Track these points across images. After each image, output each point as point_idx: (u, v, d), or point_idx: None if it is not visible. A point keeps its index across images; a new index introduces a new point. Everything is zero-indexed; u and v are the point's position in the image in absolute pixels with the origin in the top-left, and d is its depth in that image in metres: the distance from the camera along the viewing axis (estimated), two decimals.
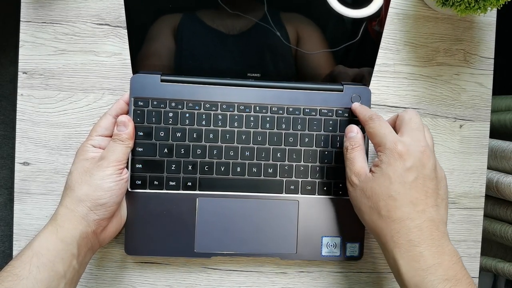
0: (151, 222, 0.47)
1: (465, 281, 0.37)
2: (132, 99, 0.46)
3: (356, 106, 0.48)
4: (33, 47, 0.50)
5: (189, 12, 0.45)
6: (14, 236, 0.49)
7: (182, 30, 0.46)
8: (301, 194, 0.48)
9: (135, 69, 0.47)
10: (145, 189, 0.47)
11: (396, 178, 0.39)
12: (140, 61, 0.47)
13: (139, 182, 0.47)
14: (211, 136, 0.47)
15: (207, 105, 0.47)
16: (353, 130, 0.46)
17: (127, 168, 0.46)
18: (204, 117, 0.47)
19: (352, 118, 0.49)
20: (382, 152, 0.41)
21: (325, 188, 0.49)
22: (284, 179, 0.48)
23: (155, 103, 0.47)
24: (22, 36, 0.50)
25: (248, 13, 0.45)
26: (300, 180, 0.48)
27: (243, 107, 0.48)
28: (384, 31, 0.49)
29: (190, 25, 0.46)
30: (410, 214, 0.39)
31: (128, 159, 0.46)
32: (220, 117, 0.47)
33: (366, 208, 0.41)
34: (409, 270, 0.38)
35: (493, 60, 0.55)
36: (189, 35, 0.46)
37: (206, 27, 0.46)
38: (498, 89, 0.75)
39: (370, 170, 0.42)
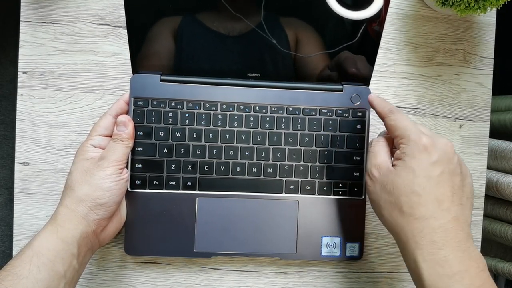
0: (151, 222, 0.47)
1: None
2: (132, 99, 0.46)
3: (374, 98, 0.44)
4: (33, 47, 0.50)
5: (189, 12, 0.45)
6: (14, 236, 0.49)
7: (182, 30, 0.46)
8: (301, 194, 0.48)
9: (135, 69, 0.47)
10: (145, 189, 0.47)
11: (421, 172, 0.37)
12: (140, 61, 0.47)
13: (139, 182, 0.47)
14: (211, 136, 0.47)
15: (207, 105, 0.47)
16: (381, 132, 0.46)
17: (127, 168, 0.46)
18: (204, 117, 0.47)
19: (352, 118, 0.49)
20: (405, 144, 0.38)
21: (325, 188, 0.49)
22: (284, 179, 0.48)
23: (155, 103, 0.47)
24: (22, 36, 0.50)
25: (248, 15, 0.45)
26: (300, 180, 0.48)
27: (243, 107, 0.48)
28: (384, 31, 0.49)
29: (190, 25, 0.46)
30: (435, 213, 0.36)
31: (128, 159, 0.46)
32: (220, 117, 0.48)
33: (386, 203, 0.38)
34: (432, 274, 0.35)
35: (493, 60, 0.55)
36: (189, 35, 0.46)
37: (205, 27, 0.46)
38: (498, 89, 0.75)
39: (392, 165, 0.40)
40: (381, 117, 0.43)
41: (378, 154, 0.41)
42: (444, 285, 0.35)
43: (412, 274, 0.38)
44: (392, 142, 0.43)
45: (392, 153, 0.42)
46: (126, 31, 0.47)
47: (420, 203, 0.37)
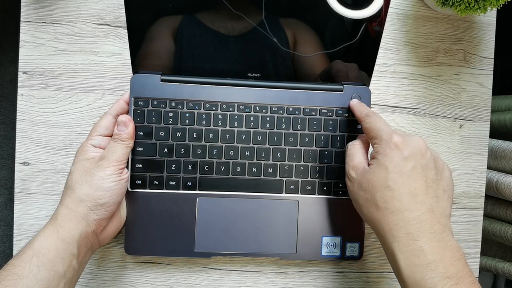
0: (151, 222, 0.47)
1: (467, 279, 0.36)
2: (132, 99, 0.46)
3: (354, 103, 0.47)
4: (33, 47, 0.50)
5: (189, 12, 0.45)
6: (14, 236, 0.49)
7: (182, 30, 0.46)
8: (301, 194, 0.48)
9: (135, 69, 0.47)
10: (145, 189, 0.47)
11: (393, 168, 0.38)
12: (140, 61, 0.47)
13: (139, 182, 0.47)
14: (211, 136, 0.47)
15: (207, 105, 0.47)
16: (359, 135, 0.47)
17: (127, 168, 0.46)
18: (204, 117, 0.47)
19: (352, 118, 0.49)
20: (378, 144, 0.40)
21: (325, 188, 0.49)
22: (284, 179, 0.48)
23: (155, 103, 0.47)
24: (22, 36, 0.50)
25: (248, 15, 0.45)
26: (300, 180, 0.48)
27: (243, 107, 0.48)
28: (384, 31, 0.49)
29: (190, 25, 0.46)
30: (409, 205, 0.37)
31: (128, 159, 0.46)
32: (220, 117, 0.48)
33: (364, 201, 0.40)
34: (408, 265, 0.36)
35: (493, 60, 0.55)
36: (189, 35, 0.46)
37: (205, 27, 0.46)
38: (498, 89, 0.75)
39: (368, 165, 0.42)
40: (359, 121, 0.45)
41: (354, 156, 0.43)
42: (419, 275, 0.36)
43: (392, 266, 0.39)
44: (369, 143, 0.45)
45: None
46: (126, 31, 0.47)
47: (394, 197, 0.38)
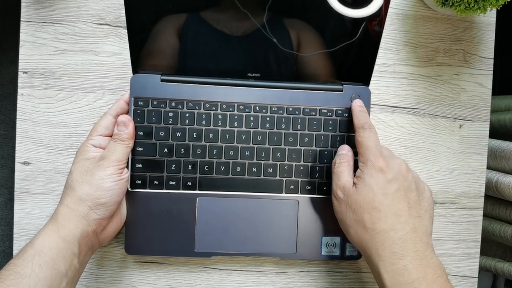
0: (151, 222, 0.47)
1: None
2: (132, 99, 0.47)
3: (355, 107, 0.47)
4: (33, 47, 0.50)
5: (189, 12, 0.45)
6: (14, 235, 0.49)
7: (182, 30, 0.46)
8: (301, 194, 0.48)
9: (135, 69, 0.47)
10: (145, 188, 0.47)
11: (379, 190, 0.40)
12: (140, 61, 0.47)
13: (139, 182, 0.47)
14: (211, 136, 0.47)
15: (207, 105, 0.47)
16: (344, 149, 0.47)
17: (127, 168, 0.46)
18: (204, 117, 0.47)
19: (352, 118, 0.49)
20: (363, 164, 0.42)
21: (324, 188, 0.49)
22: (284, 179, 0.48)
23: (155, 103, 0.47)
24: (22, 36, 0.50)
25: (253, 15, 0.45)
26: (300, 180, 0.48)
27: (243, 107, 0.48)
28: (384, 31, 0.49)
29: (190, 25, 0.46)
30: (394, 226, 0.40)
31: (128, 159, 0.46)
32: (220, 117, 0.48)
33: (352, 221, 0.42)
34: (394, 284, 0.38)
35: (492, 60, 0.55)
36: (189, 35, 0.46)
37: (206, 27, 0.46)
38: (498, 89, 0.75)
39: (353, 184, 0.43)
40: (354, 129, 0.46)
41: (341, 176, 0.44)
42: None
43: (378, 284, 0.41)
44: (353, 160, 0.46)
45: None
46: (126, 31, 0.47)
47: (380, 218, 0.40)
